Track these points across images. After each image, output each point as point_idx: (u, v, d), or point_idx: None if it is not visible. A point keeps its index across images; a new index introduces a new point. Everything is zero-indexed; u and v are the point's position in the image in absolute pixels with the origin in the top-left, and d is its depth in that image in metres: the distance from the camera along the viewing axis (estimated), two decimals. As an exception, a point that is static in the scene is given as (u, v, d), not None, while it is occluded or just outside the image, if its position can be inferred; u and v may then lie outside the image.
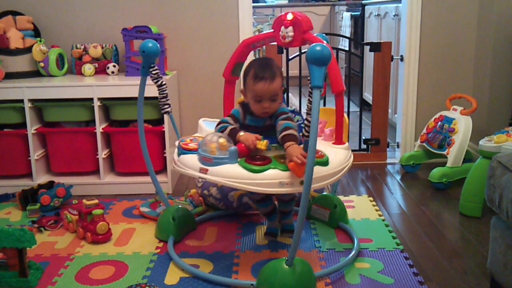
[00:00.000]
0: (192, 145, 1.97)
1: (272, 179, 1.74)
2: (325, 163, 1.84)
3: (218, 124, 1.97)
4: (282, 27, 1.96)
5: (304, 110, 1.99)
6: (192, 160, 1.89)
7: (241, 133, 1.87)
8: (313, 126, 1.60)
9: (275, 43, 2.09)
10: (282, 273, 1.70)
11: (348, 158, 1.99)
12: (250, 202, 2.40)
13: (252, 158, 1.81)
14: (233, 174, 1.77)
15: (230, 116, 1.98)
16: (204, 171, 1.81)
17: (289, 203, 2.13)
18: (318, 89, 1.60)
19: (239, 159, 1.81)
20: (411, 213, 2.52)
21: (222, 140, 1.82)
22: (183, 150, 1.96)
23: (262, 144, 1.81)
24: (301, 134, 1.89)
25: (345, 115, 2.10)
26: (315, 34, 2.09)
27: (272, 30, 2.04)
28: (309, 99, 1.74)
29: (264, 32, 2.25)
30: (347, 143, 2.05)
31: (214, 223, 2.39)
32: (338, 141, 2.04)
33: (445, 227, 2.36)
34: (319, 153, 1.86)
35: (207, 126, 2.28)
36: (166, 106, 2.15)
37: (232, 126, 1.93)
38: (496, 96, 3.02)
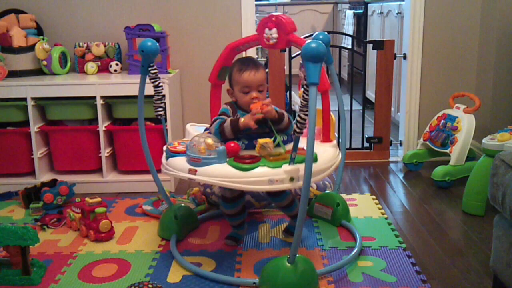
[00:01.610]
0: (180, 148, 1.97)
1: (261, 177, 1.75)
2: (313, 159, 1.82)
3: (213, 122, 1.95)
4: (266, 29, 1.98)
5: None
6: (180, 162, 1.89)
7: (242, 118, 1.86)
8: (310, 122, 1.61)
9: (260, 46, 2.11)
10: (284, 271, 1.70)
11: (337, 155, 2.00)
12: (252, 200, 2.41)
13: (241, 157, 1.81)
14: (222, 173, 1.77)
15: (222, 114, 1.97)
16: (193, 172, 1.81)
17: (290, 207, 2.13)
18: (314, 85, 1.61)
19: (228, 159, 1.82)
20: (414, 212, 2.52)
21: (209, 140, 1.82)
22: (171, 153, 1.96)
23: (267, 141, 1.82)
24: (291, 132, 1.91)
25: (332, 114, 2.13)
26: (317, 32, 2.11)
27: (256, 33, 2.06)
28: (303, 96, 1.75)
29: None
30: (334, 141, 2.08)
31: (217, 222, 2.40)
32: (326, 139, 2.07)
33: (448, 226, 2.35)
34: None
35: (195, 132, 2.27)
36: (160, 109, 2.13)
37: (231, 118, 1.92)
38: (499, 94, 3.01)
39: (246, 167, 1.76)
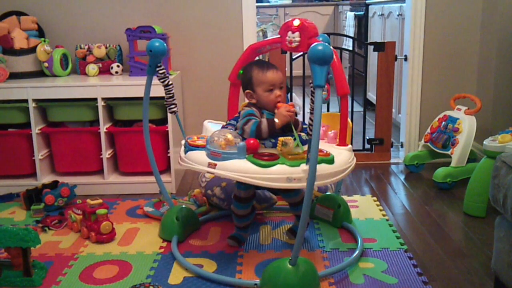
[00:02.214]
0: (200, 142, 1.99)
1: (280, 174, 1.77)
2: (330, 161, 1.86)
3: (246, 122, 1.93)
4: (289, 32, 2.01)
5: (307, 110, 2.01)
6: (200, 155, 1.91)
7: (276, 119, 1.91)
8: (315, 126, 1.62)
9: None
10: (285, 272, 1.70)
11: (352, 159, 2.00)
12: (254, 202, 2.40)
13: (260, 154, 1.83)
14: (241, 169, 1.79)
15: (250, 115, 1.97)
16: (213, 166, 1.83)
17: (301, 206, 2.12)
18: (320, 88, 1.61)
19: (247, 155, 1.83)
20: (415, 213, 2.52)
21: (229, 136, 1.85)
22: (191, 147, 1.97)
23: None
24: (306, 132, 1.92)
25: (349, 119, 2.13)
26: (316, 35, 2.12)
27: (279, 36, 2.07)
28: (311, 99, 1.76)
29: (268, 32, 2.27)
30: (350, 145, 2.07)
31: (218, 223, 2.40)
32: (342, 142, 2.06)
33: (449, 227, 2.35)
34: (325, 151, 1.89)
35: (212, 128, 2.29)
36: (173, 106, 2.15)
37: (266, 119, 1.94)
38: (500, 96, 3.01)
39: (265, 163, 1.78)
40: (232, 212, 2.14)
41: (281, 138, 1.84)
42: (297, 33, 1.98)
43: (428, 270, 1.95)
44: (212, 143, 1.87)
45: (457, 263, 2.00)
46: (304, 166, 1.77)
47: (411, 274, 1.90)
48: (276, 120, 1.91)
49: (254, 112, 1.97)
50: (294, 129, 1.91)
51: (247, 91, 2.02)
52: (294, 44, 2.00)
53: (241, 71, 2.11)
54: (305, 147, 1.87)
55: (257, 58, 2.25)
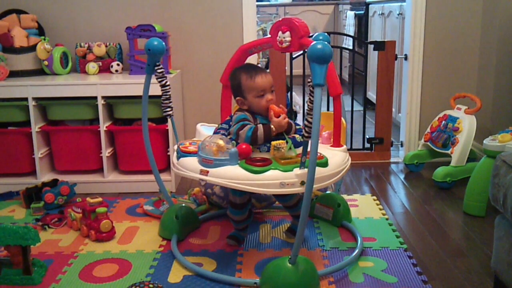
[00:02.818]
0: (192, 148, 1.97)
1: (272, 180, 1.75)
2: (324, 164, 1.84)
3: (241, 127, 1.89)
4: (280, 32, 2.00)
5: (306, 109, 2.00)
6: (192, 162, 1.89)
7: (271, 126, 1.89)
8: (314, 126, 1.61)
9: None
10: (285, 271, 1.70)
11: (346, 160, 1.99)
12: (253, 200, 2.41)
13: (253, 160, 1.81)
14: (233, 175, 1.77)
15: (244, 120, 1.95)
16: (205, 173, 1.82)
17: (296, 207, 2.12)
18: (320, 87, 1.61)
19: (239, 161, 1.82)
20: (414, 212, 2.52)
21: (221, 142, 1.83)
22: (183, 153, 1.96)
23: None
24: (302, 133, 1.90)
25: (343, 119, 2.11)
26: (317, 33, 2.12)
27: (269, 36, 2.06)
28: (309, 98, 1.75)
29: (268, 31, 2.25)
30: (344, 146, 2.07)
31: (218, 222, 2.40)
32: (336, 143, 2.05)
33: (449, 226, 2.35)
34: (318, 154, 1.85)
35: (205, 131, 2.28)
36: (168, 109, 2.14)
37: (262, 124, 1.91)
38: (501, 95, 3.01)
39: (257, 169, 1.76)
40: (229, 217, 2.14)
41: (273, 142, 1.82)
42: (287, 33, 1.97)
43: (428, 269, 1.95)
44: (204, 149, 1.85)
45: (457, 263, 2.00)
46: (297, 171, 1.76)
47: (410, 273, 1.90)
48: (272, 127, 1.88)
49: (247, 117, 1.95)
50: (285, 134, 1.90)
51: (238, 98, 1.99)
52: (285, 44, 1.98)
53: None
54: (298, 150, 1.85)
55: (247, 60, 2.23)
